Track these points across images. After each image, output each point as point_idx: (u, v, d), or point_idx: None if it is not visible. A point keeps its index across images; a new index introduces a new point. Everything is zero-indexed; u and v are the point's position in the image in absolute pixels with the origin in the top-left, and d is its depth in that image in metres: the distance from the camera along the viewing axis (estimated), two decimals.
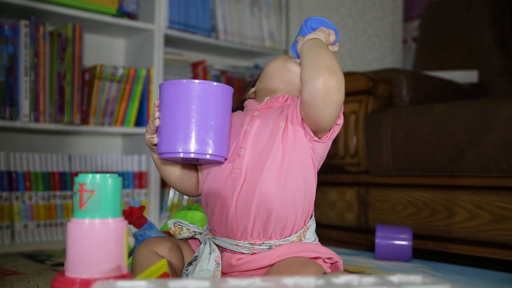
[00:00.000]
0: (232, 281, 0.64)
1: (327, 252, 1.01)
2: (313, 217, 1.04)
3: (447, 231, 1.59)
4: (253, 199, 0.94)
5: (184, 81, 0.91)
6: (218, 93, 0.91)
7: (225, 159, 0.97)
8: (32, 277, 1.25)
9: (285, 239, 0.98)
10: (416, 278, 0.68)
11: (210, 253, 0.96)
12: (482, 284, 1.27)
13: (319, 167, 1.03)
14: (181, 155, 0.90)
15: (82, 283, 0.74)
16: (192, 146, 0.90)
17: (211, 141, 0.90)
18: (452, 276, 1.36)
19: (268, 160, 0.95)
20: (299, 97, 1.00)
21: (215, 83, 0.91)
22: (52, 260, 1.52)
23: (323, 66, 0.92)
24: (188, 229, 1.02)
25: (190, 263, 0.98)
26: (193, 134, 0.89)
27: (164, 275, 0.76)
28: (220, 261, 0.96)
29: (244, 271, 0.97)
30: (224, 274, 0.98)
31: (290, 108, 1.00)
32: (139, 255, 0.98)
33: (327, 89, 0.91)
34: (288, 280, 0.65)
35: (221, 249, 1.00)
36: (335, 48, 1.05)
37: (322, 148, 1.01)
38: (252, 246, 0.97)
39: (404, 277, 0.68)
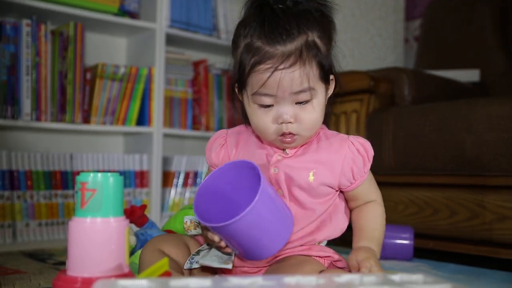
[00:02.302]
0: (233, 280, 0.65)
1: (336, 255, 1.02)
2: None
3: (448, 230, 1.59)
4: None
5: (238, 217, 0.82)
6: (265, 197, 0.85)
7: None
8: (33, 276, 1.25)
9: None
10: (417, 277, 0.68)
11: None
12: (484, 283, 1.27)
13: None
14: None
15: (83, 282, 0.75)
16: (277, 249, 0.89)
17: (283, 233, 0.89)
18: (453, 275, 1.36)
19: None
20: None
21: (256, 199, 0.83)
22: (53, 259, 1.52)
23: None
24: None
25: (198, 252, 0.97)
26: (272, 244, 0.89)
27: (166, 274, 0.76)
28: (233, 254, 0.95)
29: (253, 266, 0.97)
30: (236, 266, 0.98)
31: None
32: (146, 254, 0.97)
33: None
34: (290, 279, 0.65)
35: None
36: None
37: None
38: None
39: (405, 276, 0.68)
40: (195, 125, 2.33)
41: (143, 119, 2.12)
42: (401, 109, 1.75)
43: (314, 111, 0.91)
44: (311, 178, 0.94)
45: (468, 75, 2.16)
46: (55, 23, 1.97)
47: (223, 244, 0.90)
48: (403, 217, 1.71)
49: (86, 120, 1.98)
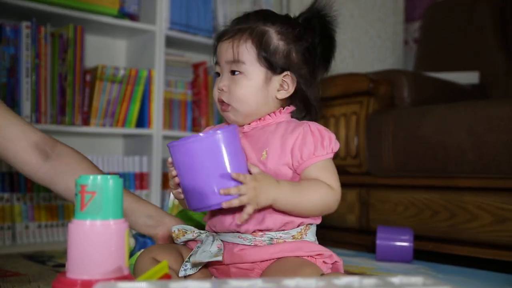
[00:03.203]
0: (233, 282, 0.65)
1: (327, 251, 1.01)
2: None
3: (448, 232, 1.59)
4: None
5: (190, 139, 0.90)
6: (224, 139, 0.91)
7: None
8: (33, 278, 1.25)
9: (285, 232, 0.98)
10: (417, 279, 0.68)
11: (213, 241, 0.98)
12: (483, 285, 1.27)
13: None
14: (212, 207, 0.91)
15: (83, 284, 0.74)
16: (219, 197, 0.90)
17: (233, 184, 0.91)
18: (453, 277, 1.36)
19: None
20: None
21: (218, 132, 0.90)
22: (53, 261, 1.52)
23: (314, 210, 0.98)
24: (193, 231, 1.03)
25: (189, 258, 0.99)
26: (215, 187, 0.90)
27: (165, 277, 0.76)
28: (222, 248, 0.97)
29: (244, 262, 0.98)
30: (225, 265, 0.99)
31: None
32: (141, 263, 0.99)
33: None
34: (289, 282, 0.65)
35: (224, 243, 1.00)
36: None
37: None
38: (254, 237, 0.97)
39: (405, 278, 0.68)
40: (195, 127, 2.33)
41: (142, 121, 2.12)
42: (401, 111, 1.75)
43: (244, 86, 1.00)
44: (264, 156, 0.98)
45: (468, 77, 2.16)
46: (55, 25, 1.97)
47: (176, 179, 0.96)
48: (403, 219, 1.71)
49: (86, 122, 1.98)
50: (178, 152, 0.91)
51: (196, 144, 0.90)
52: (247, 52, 1.00)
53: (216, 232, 1.02)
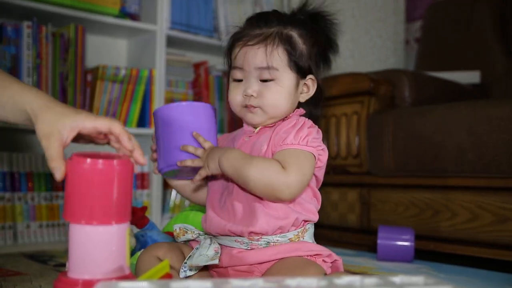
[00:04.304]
0: (234, 281, 0.65)
1: (326, 250, 1.00)
2: (312, 223, 1.04)
3: (449, 232, 1.59)
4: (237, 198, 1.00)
5: (163, 107, 1.01)
6: (190, 111, 1.00)
7: None
8: (34, 278, 1.25)
9: (282, 235, 0.98)
10: (418, 279, 0.68)
11: (210, 244, 0.98)
12: (484, 285, 1.27)
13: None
14: (170, 167, 1.00)
15: (84, 284, 0.75)
16: (182, 156, 0.99)
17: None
18: (454, 277, 1.36)
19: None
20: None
21: (184, 103, 1.01)
22: (54, 261, 1.52)
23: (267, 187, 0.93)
24: (193, 232, 1.04)
25: (189, 258, 0.99)
26: (176, 150, 0.99)
27: (167, 276, 0.76)
28: (219, 251, 0.97)
29: (243, 265, 0.98)
30: (224, 268, 0.99)
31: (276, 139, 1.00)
32: (142, 261, 0.99)
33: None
34: (291, 281, 0.65)
35: (222, 246, 1.01)
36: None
37: None
38: (250, 241, 0.97)
39: (406, 278, 0.68)
40: None
41: (144, 120, 2.12)
42: (402, 111, 1.75)
43: (277, 92, 1.00)
44: (264, 149, 0.99)
45: (468, 77, 2.16)
46: (56, 25, 1.97)
47: (153, 146, 1.04)
48: (404, 218, 1.71)
49: None
50: (155, 116, 1.01)
51: (168, 111, 0.99)
52: (279, 58, 1.00)
53: (214, 235, 1.02)
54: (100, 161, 0.77)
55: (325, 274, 0.92)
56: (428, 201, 1.65)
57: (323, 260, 0.99)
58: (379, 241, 1.57)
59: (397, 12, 2.70)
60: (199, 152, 0.97)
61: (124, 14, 2.12)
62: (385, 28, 2.65)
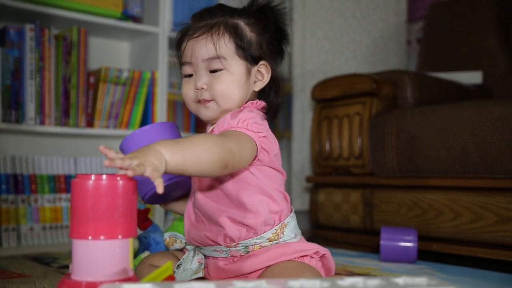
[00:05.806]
0: (237, 283, 0.65)
1: (312, 247, 0.98)
2: (292, 214, 1.01)
3: (452, 232, 1.59)
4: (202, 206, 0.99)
5: (127, 137, 0.99)
6: (154, 132, 0.99)
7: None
8: (38, 280, 1.25)
9: (259, 237, 0.96)
10: (421, 280, 0.68)
11: (194, 256, 0.99)
12: (488, 285, 1.27)
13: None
14: (150, 192, 0.98)
15: (87, 286, 0.75)
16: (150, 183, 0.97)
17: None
18: (457, 278, 1.35)
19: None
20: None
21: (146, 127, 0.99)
22: (58, 263, 1.52)
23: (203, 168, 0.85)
24: (181, 241, 1.05)
25: (178, 267, 1.01)
26: None
27: (170, 278, 0.76)
28: (203, 262, 0.97)
29: (229, 277, 0.96)
30: (213, 277, 0.99)
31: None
32: (140, 272, 1.00)
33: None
34: (294, 283, 0.65)
35: (208, 257, 1.01)
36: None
37: (264, 157, 0.97)
38: (228, 248, 0.96)
39: (409, 279, 0.68)
40: (198, 128, 2.33)
41: (146, 122, 2.12)
42: (404, 112, 1.75)
43: (228, 81, 0.98)
44: None
45: (471, 77, 2.16)
46: (59, 28, 1.98)
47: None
48: (407, 219, 1.71)
49: (90, 124, 1.99)
50: (121, 150, 1.00)
51: (126, 141, 0.98)
52: (226, 46, 0.98)
53: (196, 246, 1.03)
54: (104, 176, 0.76)
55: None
56: (431, 202, 1.65)
57: (310, 256, 0.97)
58: (382, 242, 1.57)
59: (399, 13, 2.70)
60: (126, 160, 0.75)
61: (126, 16, 2.12)
62: (387, 29, 2.65)
